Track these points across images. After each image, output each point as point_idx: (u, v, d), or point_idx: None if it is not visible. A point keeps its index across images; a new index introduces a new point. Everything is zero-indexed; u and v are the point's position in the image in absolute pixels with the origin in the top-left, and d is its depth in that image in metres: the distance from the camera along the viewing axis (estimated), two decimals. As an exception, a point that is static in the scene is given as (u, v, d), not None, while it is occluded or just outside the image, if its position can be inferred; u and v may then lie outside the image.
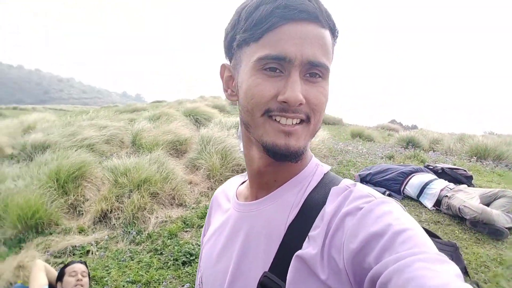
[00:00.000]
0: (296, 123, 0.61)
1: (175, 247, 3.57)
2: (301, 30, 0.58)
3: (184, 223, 4.11)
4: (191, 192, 4.90)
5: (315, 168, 0.73)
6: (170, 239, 3.78)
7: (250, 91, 0.61)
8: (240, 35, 0.62)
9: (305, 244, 0.60)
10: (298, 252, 0.60)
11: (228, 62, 0.71)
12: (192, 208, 4.52)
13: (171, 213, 4.35)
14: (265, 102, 0.60)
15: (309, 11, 0.58)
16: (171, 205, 4.57)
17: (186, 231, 4.00)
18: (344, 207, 0.59)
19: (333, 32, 0.64)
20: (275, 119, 0.61)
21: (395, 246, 0.50)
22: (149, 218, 4.20)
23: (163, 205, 4.49)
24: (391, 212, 0.55)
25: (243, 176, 0.89)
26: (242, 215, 0.74)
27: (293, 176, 0.70)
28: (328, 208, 0.61)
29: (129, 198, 4.26)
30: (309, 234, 0.61)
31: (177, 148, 6.12)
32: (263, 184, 0.72)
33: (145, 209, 4.23)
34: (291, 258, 0.60)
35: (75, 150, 5.48)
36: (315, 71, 0.60)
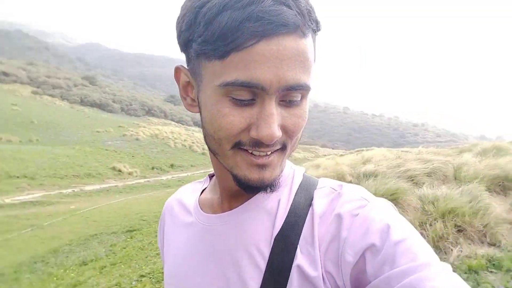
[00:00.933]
0: (270, 153, 0.54)
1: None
2: (278, 49, 0.47)
3: (490, 262, 3.64)
4: (510, 233, 4.20)
5: (292, 171, 0.67)
6: (467, 274, 3.48)
7: (216, 121, 0.52)
8: (199, 45, 0.49)
9: (297, 255, 0.55)
10: (298, 264, 0.55)
11: (184, 61, 0.59)
12: (508, 251, 3.90)
13: (477, 250, 3.95)
14: (235, 135, 0.51)
15: (289, 23, 0.47)
16: (481, 242, 4.13)
17: (491, 271, 3.53)
18: (334, 213, 0.55)
19: (316, 31, 0.53)
20: (247, 150, 0.53)
21: (396, 259, 0.47)
22: (451, 249, 4.01)
23: (471, 240, 4.14)
24: (387, 218, 0.52)
25: (200, 183, 0.80)
26: (212, 229, 0.64)
27: None
28: (316, 214, 0.57)
29: (431, 226, 4.24)
30: (299, 244, 0.56)
31: (504, 185, 5.36)
32: (238, 196, 0.64)
33: (448, 239, 4.07)
34: (285, 272, 0.55)
35: (395, 179, 5.99)
36: (294, 96, 0.51)
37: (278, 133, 0.50)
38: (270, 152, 0.53)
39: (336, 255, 0.52)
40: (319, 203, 0.58)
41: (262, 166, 0.54)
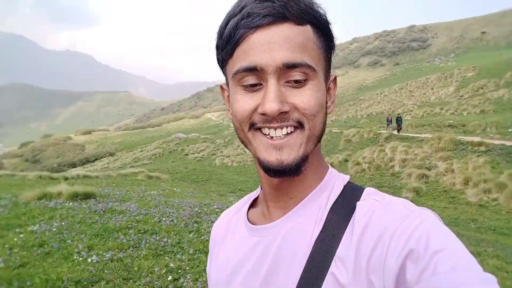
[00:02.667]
0: (288, 133, 0.58)
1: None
2: (269, 34, 0.56)
3: None
4: None
5: (334, 179, 0.68)
6: None
7: (233, 108, 0.61)
8: (220, 55, 0.62)
9: (333, 263, 0.57)
10: (332, 272, 0.56)
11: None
12: None
13: None
14: (247, 116, 0.59)
15: (274, 14, 0.56)
16: None
17: None
18: (376, 223, 0.56)
19: (318, 27, 0.60)
20: (264, 133, 0.59)
21: (436, 267, 0.47)
22: None
23: None
24: (429, 227, 0.52)
25: (255, 193, 0.82)
26: (261, 240, 0.67)
27: (311, 191, 0.66)
28: (357, 225, 0.57)
29: None
30: (337, 253, 0.57)
31: None
32: (279, 203, 0.68)
33: None
34: (320, 279, 0.57)
35: None
36: (296, 74, 0.57)
37: (278, 105, 0.55)
38: (284, 129, 0.58)
39: (378, 263, 0.52)
40: (360, 213, 0.59)
41: (279, 147, 0.58)
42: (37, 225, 5.70)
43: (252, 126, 0.60)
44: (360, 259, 0.54)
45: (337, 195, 0.64)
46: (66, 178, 15.02)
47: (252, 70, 0.57)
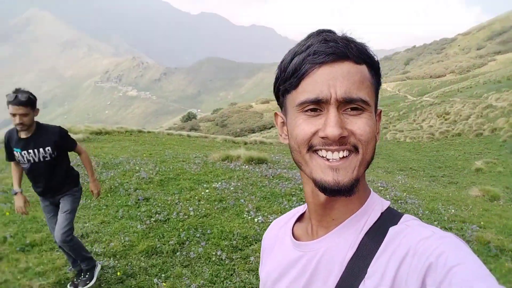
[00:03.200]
0: (344, 156, 0.64)
1: None
2: (332, 71, 0.63)
3: None
4: None
5: (374, 205, 0.72)
6: None
7: (294, 131, 0.67)
8: (283, 86, 0.69)
9: (362, 284, 0.62)
10: None
11: (280, 110, 0.78)
12: None
13: None
14: (308, 138, 0.65)
15: (337, 53, 0.63)
16: None
17: None
18: (402, 246, 0.61)
19: (372, 66, 0.67)
20: (321, 155, 0.65)
21: (452, 281, 0.51)
22: None
23: None
24: (449, 246, 0.56)
25: (301, 207, 0.88)
26: (303, 255, 0.75)
27: (351, 214, 0.70)
28: (386, 249, 0.63)
29: None
30: (367, 274, 0.63)
31: None
32: (322, 222, 0.74)
33: None
34: None
35: None
36: (354, 106, 0.64)
37: (339, 130, 0.61)
38: (341, 152, 0.63)
39: (401, 281, 0.57)
40: (390, 237, 0.64)
41: (335, 169, 0.63)
42: (219, 183, 6.70)
43: (310, 148, 0.65)
44: (386, 279, 0.59)
45: (374, 221, 0.69)
46: (245, 143, 16.96)
47: (318, 101, 0.63)
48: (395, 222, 0.67)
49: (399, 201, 6.45)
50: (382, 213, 0.70)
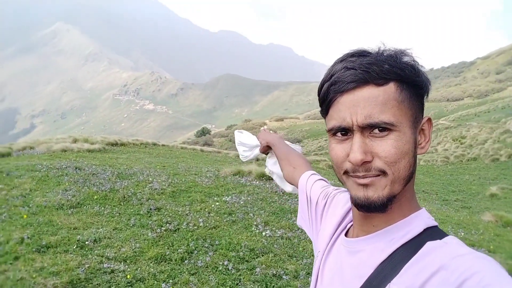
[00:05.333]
0: (373, 176, 0.67)
1: None
2: (353, 98, 0.66)
3: None
4: None
5: (417, 221, 0.72)
6: None
7: (330, 154, 0.73)
8: (320, 111, 0.77)
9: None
10: None
11: None
12: None
13: None
14: (341, 163, 0.70)
15: (356, 80, 0.66)
16: None
17: None
18: (433, 261, 0.61)
19: (401, 81, 0.67)
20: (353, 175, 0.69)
21: None
22: None
23: None
24: (485, 266, 0.56)
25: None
26: (345, 249, 0.80)
27: (392, 223, 0.72)
28: (417, 261, 0.64)
29: None
30: (392, 281, 0.64)
31: None
32: (362, 227, 0.77)
33: None
34: None
35: None
36: (377, 129, 0.66)
37: (361, 155, 0.65)
38: (369, 179, 0.66)
39: None
40: (424, 250, 0.64)
41: (365, 186, 0.67)
42: (230, 197, 6.81)
43: (346, 173, 0.70)
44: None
45: (415, 235, 0.69)
46: (257, 159, 17.06)
47: (343, 129, 0.69)
48: (435, 239, 0.67)
49: (408, 222, 6.44)
50: (425, 229, 0.70)
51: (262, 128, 1.54)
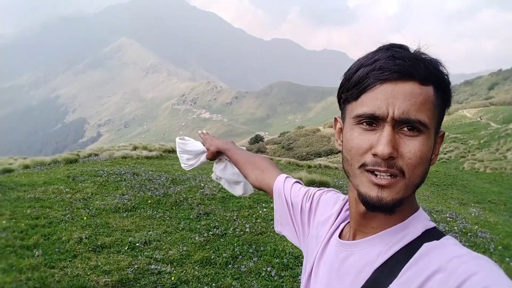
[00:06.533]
0: (391, 176, 0.64)
1: None
2: (394, 89, 0.63)
3: None
4: None
5: (417, 222, 0.70)
6: None
7: (348, 143, 0.68)
8: (345, 94, 0.70)
9: None
10: None
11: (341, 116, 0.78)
12: None
13: None
14: (361, 154, 0.66)
15: (403, 71, 0.63)
16: None
17: None
18: (429, 263, 0.60)
19: (440, 87, 0.66)
20: (370, 171, 0.65)
21: None
22: None
23: None
24: (483, 267, 0.55)
25: (345, 199, 0.90)
26: (340, 252, 0.77)
27: (391, 226, 0.70)
28: (414, 263, 0.63)
29: None
30: (391, 285, 0.63)
31: None
32: (360, 228, 0.75)
33: None
34: None
35: None
36: (409, 127, 0.63)
37: (389, 149, 0.61)
38: (389, 174, 0.63)
39: None
40: (421, 252, 0.64)
41: (381, 186, 0.64)
42: (277, 203, 6.80)
43: (363, 166, 0.66)
44: None
45: (414, 238, 0.68)
46: (309, 166, 16.86)
47: (374, 117, 0.64)
48: (431, 240, 0.67)
49: (468, 234, 6.01)
50: (423, 232, 0.69)
51: (200, 131, 1.44)
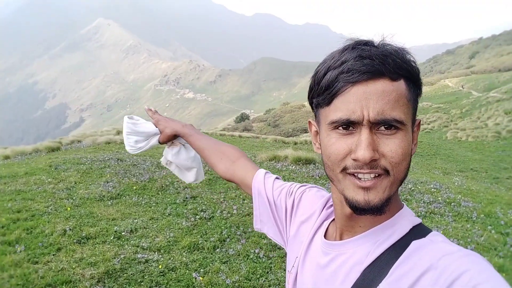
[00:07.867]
0: (375, 176, 0.62)
1: None
2: (366, 90, 0.61)
3: None
4: None
5: (402, 220, 0.70)
6: None
7: (327, 150, 0.66)
8: (316, 99, 0.68)
9: None
10: None
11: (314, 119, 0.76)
12: None
13: None
14: (341, 159, 0.64)
15: (372, 71, 0.61)
16: None
17: None
18: (420, 261, 0.60)
19: (410, 78, 0.65)
20: (354, 174, 0.63)
21: None
22: None
23: None
24: (474, 264, 0.55)
25: (327, 197, 0.89)
26: (327, 253, 0.76)
27: (378, 224, 0.69)
28: (403, 261, 0.62)
29: None
30: (380, 284, 0.63)
31: None
32: (348, 227, 0.74)
33: None
34: None
35: None
36: (386, 126, 0.62)
37: (370, 153, 0.60)
38: (373, 175, 0.62)
39: None
40: (410, 250, 0.63)
41: (366, 189, 0.63)
42: (264, 183, 6.80)
43: (344, 170, 0.65)
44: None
45: (402, 235, 0.68)
46: (295, 143, 16.94)
47: (350, 122, 0.62)
48: (419, 237, 0.66)
49: (451, 203, 6.11)
50: (410, 230, 0.69)
51: (147, 108, 1.30)
